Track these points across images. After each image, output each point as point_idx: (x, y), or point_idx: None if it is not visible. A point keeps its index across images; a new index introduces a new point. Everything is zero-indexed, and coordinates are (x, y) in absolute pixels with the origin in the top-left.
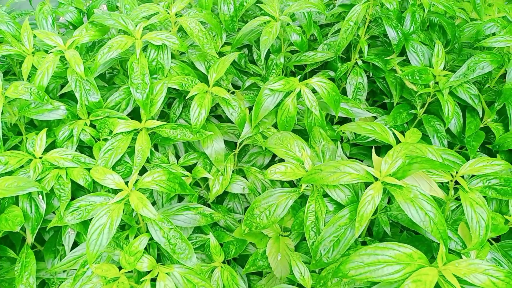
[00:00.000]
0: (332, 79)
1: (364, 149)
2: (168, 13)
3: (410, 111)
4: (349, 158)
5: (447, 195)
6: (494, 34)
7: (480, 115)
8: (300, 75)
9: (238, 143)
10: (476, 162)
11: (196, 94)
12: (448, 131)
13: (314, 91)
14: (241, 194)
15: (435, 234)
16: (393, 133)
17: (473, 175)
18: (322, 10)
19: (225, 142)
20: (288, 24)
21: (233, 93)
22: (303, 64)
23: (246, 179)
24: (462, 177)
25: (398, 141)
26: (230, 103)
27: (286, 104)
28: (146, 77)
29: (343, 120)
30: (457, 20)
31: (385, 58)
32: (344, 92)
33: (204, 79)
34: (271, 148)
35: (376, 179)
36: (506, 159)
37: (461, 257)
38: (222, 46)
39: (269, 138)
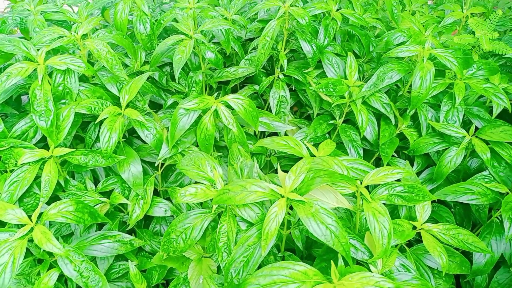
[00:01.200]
0: (258, 93)
1: (294, 160)
2: (75, 35)
3: (330, 122)
4: (282, 170)
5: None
6: (402, 43)
7: (395, 122)
8: (217, 92)
9: (159, 164)
10: (378, 172)
11: (107, 118)
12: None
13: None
14: (169, 216)
15: (337, 247)
16: (307, 147)
17: (379, 184)
18: (235, 27)
19: (149, 163)
20: (202, 42)
21: (149, 113)
22: (226, 80)
23: (171, 200)
24: (368, 187)
25: (312, 154)
26: (145, 125)
27: (204, 123)
28: (50, 104)
29: None
30: (377, 30)
31: (304, 71)
32: None
33: (118, 101)
34: (182, 170)
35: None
36: (422, 163)
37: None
38: (142, 65)
39: (182, 159)
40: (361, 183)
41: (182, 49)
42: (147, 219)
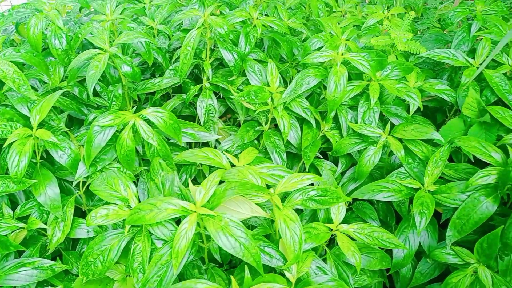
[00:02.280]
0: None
1: None
2: None
3: (257, 128)
4: None
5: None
6: (319, 49)
7: (318, 125)
8: (135, 105)
9: (80, 184)
10: (289, 179)
11: (16, 141)
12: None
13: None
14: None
15: (247, 258)
16: (227, 157)
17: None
18: (152, 40)
19: (72, 182)
20: (117, 56)
21: (66, 132)
22: (149, 91)
23: None
24: (286, 194)
25: (233, 166)
26: (58, 145)
27: (123, 138)
28: None
29: None
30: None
31: (229, 79)
32: None
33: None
34: (95, 191)
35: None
36: (346, 163)
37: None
38: (62, 81)
39: (95, 179)
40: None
41: (96, 64)
42: (76, 240)
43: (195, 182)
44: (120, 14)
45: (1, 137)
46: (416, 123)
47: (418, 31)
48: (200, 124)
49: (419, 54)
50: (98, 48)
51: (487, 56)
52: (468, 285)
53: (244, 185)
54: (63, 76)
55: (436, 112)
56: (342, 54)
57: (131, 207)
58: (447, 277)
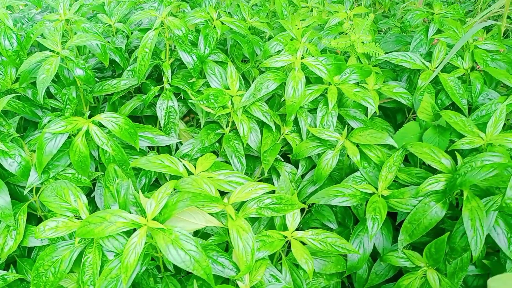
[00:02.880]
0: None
1: None
2: None
3: (218, 131)
4: None
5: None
6: (278, 52)
7: (281, 128)
8: (96, 105)
9: (33, 190)
10: (243, 189)
11: None
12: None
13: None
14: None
15: (198, 271)
16: (183, 164)
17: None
18: (106, 42)
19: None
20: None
21: (17, 138)
22: (107, 93)
23: None
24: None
25: (190, 173)
26: (8, 153)
27: (76, 144)
28: None
29: None
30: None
31: (189, 81)
32: None
33: None
34: (45, 203)
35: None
36: (307, 165)
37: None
38: (14, 82)
39: (45, 189)
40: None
41: (47, 67)
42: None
43: (158, 184)
44: (77, 11)
45: None
46: (372, 128)
47: (381, 31)
48: (160, 126)
49: (378, 56)
50: (50, 50)
51: (442, 60)
52: (418, 287)
53: (196, 197)
54: (16, 77)
55: (396, 112)
56: (300, 59)
57: (81, 219)
58: (399, 280)
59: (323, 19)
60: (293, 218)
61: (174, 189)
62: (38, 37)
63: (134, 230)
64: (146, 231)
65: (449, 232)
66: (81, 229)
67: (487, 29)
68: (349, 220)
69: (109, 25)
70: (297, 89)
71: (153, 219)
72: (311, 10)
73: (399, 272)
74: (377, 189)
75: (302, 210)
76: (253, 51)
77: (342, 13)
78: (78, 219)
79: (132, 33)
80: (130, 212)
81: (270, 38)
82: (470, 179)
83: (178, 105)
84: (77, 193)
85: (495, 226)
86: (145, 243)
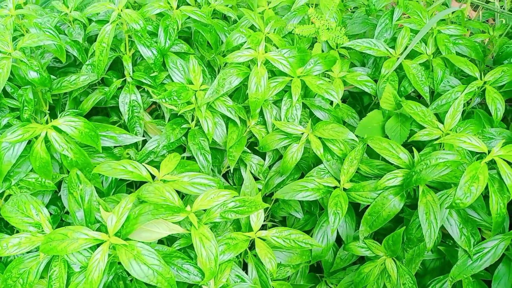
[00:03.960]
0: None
1: None
2: None
3: (183, 126)
4: None
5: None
6: (241, 45)
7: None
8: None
9: None
10: (206, 196)
11: None
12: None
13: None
14: None
15: (162, 284)
16: (146, 168)
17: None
18: (60, 41)
19: None
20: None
21: None
22: (65, 92)
23: None
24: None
25: (154, 177)
26: None
27: (36, 151)
28: None
29: None
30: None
31: (151, 75)
32: None
33: None
34: (6, 218)
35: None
36: (274, 156)
37: None
38: None
39: (6, 203)
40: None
41: None
42: None
43: (125, 180)
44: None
45: None
46: (334, 122)
47: (349, 9)
48: (124, 121)
49: (342, 44)
50: (1, 52)
51: (406, 46)
52: (378, 274)
53: (158, 209)
54: None
55: (363, 95)
56: (263, 53)
57: (44, 232)
58: (360, 267)
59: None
60: (257, 218)
61: (138, 199)
62: None
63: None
64: (108, 246)
65: (404, 227)
66: (44, 246)
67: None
68: (315, 208)
69: (65, 13)
70: (259, 86)
71: (115, 234)
72: None
73: (362, 257)
74: (339, 182)
75: (270, 199)
76: (217, 40)
77: None
78: (41, 232)
79: (90, 21)
80: (95, 219)
81: (235, 22)
82: (425, 177)
83: (142, 96)
84: (38, 206)
85: (448, 218)
86: (109, 255)
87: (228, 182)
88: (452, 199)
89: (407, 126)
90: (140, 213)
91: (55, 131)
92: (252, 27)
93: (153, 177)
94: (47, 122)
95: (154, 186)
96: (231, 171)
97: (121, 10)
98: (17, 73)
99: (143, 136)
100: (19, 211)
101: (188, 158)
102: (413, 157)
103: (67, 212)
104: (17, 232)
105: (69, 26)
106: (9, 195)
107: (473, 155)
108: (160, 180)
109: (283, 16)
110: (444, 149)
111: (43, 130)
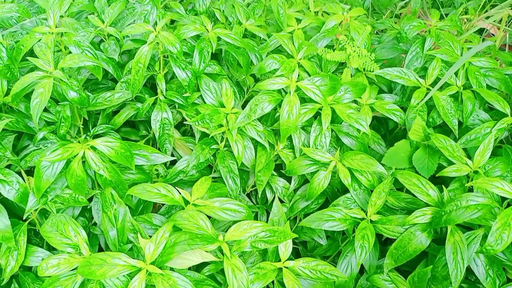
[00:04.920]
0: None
1: None
2: None
3: (213, 146)
4: None
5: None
6: (274, 70)
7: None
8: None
9: (25, 217)
10: (239, 227)
11: None
12: None
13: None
14: None
15: None
16: (179, 192)
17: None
18: (99, 63)
19: None
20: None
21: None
22: (100, 108)
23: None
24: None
25: (186, 201)
26: (5, 180)
27: (73, 169)
28: None
29: None
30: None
31: (183, 95)
32: None
33: None
34: (46, 238)
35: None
36: (299, 180)
37: None
38: (6, 95)
39: (45, 223)
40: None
41: (41, 91)
42: None
43: None
44: (67, 11)
45: None
46: (363, 153)
47: (378, 32)
48: (154, 136)
49: (373, 72)
50: (42, 70)
51: (437, 77)
52: None
53: (194, 239)
54: (7, 89)
55: (388, 119)
56: (295, 81)
57: (82, 254)
58: None
59: (320, 20)
60: (286, 248)
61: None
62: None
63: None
64: (145, 275)
65: (431, 266)
66: (82, 269)
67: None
68: (338, 234)
69: (100, 29)
70: (291, 114)
71: (152, 263)
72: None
73: None
74: (366, 213)
75: (294, 221)
76: (248, 62)
77: (338, 15)
78: (79, 254)
79: (123, 37)
80: (128, 240)
81: (265, 41)
82: (455, 219)
83: (172, 112)
84: (76, 228)
85: (475, 258)
86: (145, 282)
87: (251, 200)
88: (481, 243)
89: (435, 159)
90: (176, 242)
91: (92, 150)
92: (281, 48)
93: (185, 201)
94: (84, 138)
95: (188, 213)
96: (255, 190)
97: (159, 32)
98: (55, 89)
99: (172, 152)
100: (58, 232)
101: (215, 177)
102: (442, 193)
103: (95, 224)
104: (53, 249)
105: (103, 40)
106: (43, 209)
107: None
108: (192, 204)
109: (312, 36)
110: (472, 184)
111: (81, 149)
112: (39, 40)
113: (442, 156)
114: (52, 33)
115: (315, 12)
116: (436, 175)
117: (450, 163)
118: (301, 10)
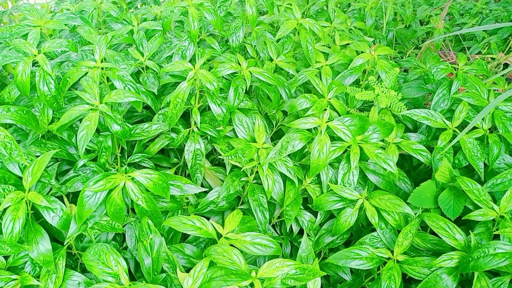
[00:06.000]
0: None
1: None
2: None
3: (242, 179)
4: None
5: None
6: (306, 109)
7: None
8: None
9: (66, 243)
10: (271, 264)
11: (9, 206)
12: None
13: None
14: None
15: None
16: (213, 225)
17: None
18: (140, 98)
19: None
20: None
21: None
22: (139, 138)
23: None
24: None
25: (219, 234)
26: (50, 207)
27: (113, 198)
28: None
29: None
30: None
31: (217, 129)
32: None
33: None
34: (88, 266)
35: None
36: (325, 214)
37: None
38: (51, 123)
39: (87, 251)
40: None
41: (87, 124)
42: None
43: None
44: (108, 42)
45: None
46: (391, 194)
47: (405, 70)
48: (185, 164)
49: (400, 112)
50: (88, 104)
51: (463, 120)
52: None
53: (229, 275)
54: (52, 117)
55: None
56: (326, 122)
57: (122, 283)
58: None
59: (347, 57)
60: (314, 285)
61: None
62: (76, 85)
63: None
64: None
65: None
66: None
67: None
68: (362, 270)
69: (140, 62)
70: (322, 153)
71: None
72: (333, 32)
73: None
74: (392, 253)
75: (318, 254)
76: (279, 98)
77: (366, 54)
78: (118, 283)
79: (161, 66)
80: (161, 269)
81: (293, 75)
82: (482, 266)
83: (204, 142)
84: (117, 258)
85: None
86: None
87: (276, 231)
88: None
89: (461, 201)
90: (212, 277)
91: (131, 181)
92: (309, 82)
93: (217, 234)
94: (123, 168)
95: (223, 248)
96: (280, 221)
97: (197, 70)
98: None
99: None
100: (99, 261)
101: (242, 209)
102: (468, 237)
103: (125, 248)
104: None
105: (141, 71)
106: (81, 234)
107: None
108: (224, 237)
109: (339, 72)
110: (500, 233)
111: (122, 180)
112: (86, 73)
113: (468, 199)
114: (98, 67)
115: (340, 46)
116: (462, 218)
117: (476, 206)
118: (327, 44)
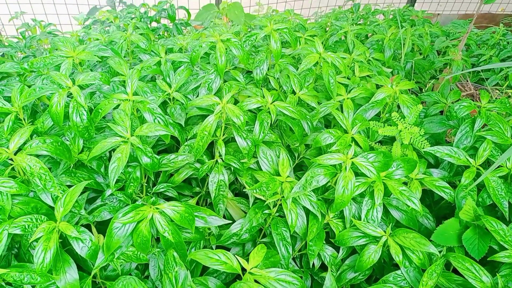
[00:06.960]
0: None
1: None
2: (7, 151)
3: (265, 211)
4: None
5: None
6: (330, 145)
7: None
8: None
9: (92, 273)
10: None
11: (41, 236)
12: None
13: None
14: None
15: None
16: (238, 260)
17: None
18: (169, 130)
19: None
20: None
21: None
22: (165, 169)
23: None
24: None
25: (243, 269)
26: (80, 238)
27: (140, 229)
28: None
29: None
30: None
31: (241, 161)
32: None
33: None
34: None
35: None
36: (347, 249)
37: None
38: (81, 152)
39: (115, 283)
40: None
41: (118, 156)
42: None
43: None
44: (138, 73)
45: (27, 231)
46: (415, 232)
47: (425, 103)
48: (207, 193)
49: (423, 149)
50: (120, 136)
51: (487, 159)
52: None
53: None
54: (82, 147)
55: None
56: (351, 158)
57: None
58: None
59: (368, 90)
60: None
61: None
62: (107, 117)
63: None
64: None
65: None
66: None
67: None
68: None
69: (167, 94)
70: (346, 189)
71: None
72: (353, 63)
73: None
74: None
75: None
76: (302, 132)
77: (387, 88)
78: None
79: (188, 97)
80: None
81: (315, 108)
82: None
83: (227, 173)
84: None
85: None
86: None
87: (296, 264)
88: None
89: (486, 241)
90: None
91: (159, 213)
92: (330, 114)
93: (242, 269)
94: (151, 200)
95: (248, 285)
96: (300, 254)
97: (225, 104)
98: None
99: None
100: None
101: (265, 242)
102: (495, 278)
103: (146, 277)
104: None
105: (168, 103)
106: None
107: None
108: (248, 272)
109: (360, 105)
110: None
111: (150, 212)
112: (117, 106)
113: (493, 239)
114: (129, 100)
115: (360, 77)
116: (488, 259)
117: (501, 246)
118: (347, 75)
